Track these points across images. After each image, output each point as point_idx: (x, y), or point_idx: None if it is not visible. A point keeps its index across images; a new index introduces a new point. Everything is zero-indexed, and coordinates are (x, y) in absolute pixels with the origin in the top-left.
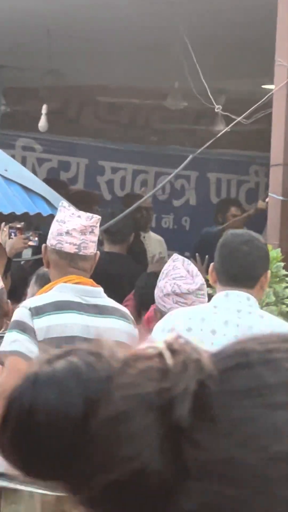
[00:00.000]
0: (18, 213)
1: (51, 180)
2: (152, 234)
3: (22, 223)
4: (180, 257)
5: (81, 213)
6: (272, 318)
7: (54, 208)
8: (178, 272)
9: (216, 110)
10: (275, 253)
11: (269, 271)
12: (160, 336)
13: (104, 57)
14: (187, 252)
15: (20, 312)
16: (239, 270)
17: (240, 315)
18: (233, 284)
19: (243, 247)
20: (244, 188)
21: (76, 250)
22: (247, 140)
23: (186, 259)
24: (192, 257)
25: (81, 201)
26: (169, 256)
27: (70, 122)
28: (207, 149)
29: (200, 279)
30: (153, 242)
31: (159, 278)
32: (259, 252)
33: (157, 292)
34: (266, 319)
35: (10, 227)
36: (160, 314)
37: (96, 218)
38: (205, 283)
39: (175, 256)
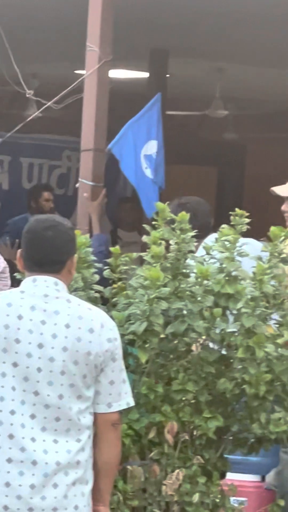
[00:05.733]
0: None
1: None
2: None
3: None
4: None
5: None
6: (79, 302)
7: None
8: None
9: (27, 95)
10: (83, 238)
11: (75, 256)
12: None
13: None
14: None
15: None
16: (44, 256)
17: (47, 299)
18: (39, 269)
19: (47, 232)
20: (56, 173)
21: None
22: (60, 125)
23: None
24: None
25: None
26: None
27: None
28: (20, 134)
29: (1, 262)
30: None
31: None
32: (63, 236)
33: None
34: (74, 303)
35: None
36: None
37: None
38: (7, 265)
39: None
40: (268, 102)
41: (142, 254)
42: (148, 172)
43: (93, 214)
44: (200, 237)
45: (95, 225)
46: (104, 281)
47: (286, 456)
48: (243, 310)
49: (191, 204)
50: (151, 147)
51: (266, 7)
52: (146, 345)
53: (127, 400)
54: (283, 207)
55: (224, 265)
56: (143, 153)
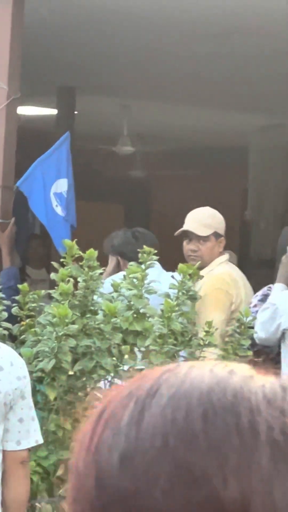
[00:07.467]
0: None
1: None
2: None
3: None
4: None
5: None
6: None
7: None
8: None
9: None
10: None
11: None
12: None
13: None
14: None
15: None
16: None
17: None
18: None
19: None
20: None
21: None
22: None
23: None
24: None
25: None
26: None
27: None
28: None
29: None
30: None
31: None
32: None
33: None
34: None
35: None
36: None
37: None
38: None
39: None
40: (173, 139)
41: (50, 291)
42: (59, 210)
43: (3, 246)
44: None
45: (5, 258)
46: (12, 318)
47: None
48: (151, 347)
49: (146, 235)
50: (61, 185)
51: (170, 44)
52: (54, 382)
53: (36, 437)
54: (193, 246)
55: (132, 302)
56: (52, 191)
